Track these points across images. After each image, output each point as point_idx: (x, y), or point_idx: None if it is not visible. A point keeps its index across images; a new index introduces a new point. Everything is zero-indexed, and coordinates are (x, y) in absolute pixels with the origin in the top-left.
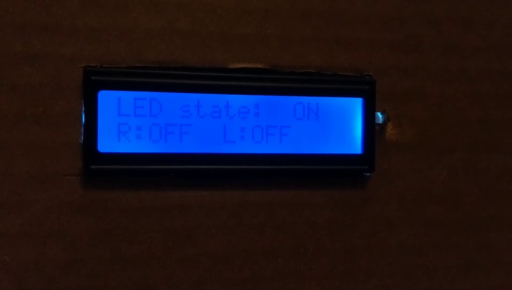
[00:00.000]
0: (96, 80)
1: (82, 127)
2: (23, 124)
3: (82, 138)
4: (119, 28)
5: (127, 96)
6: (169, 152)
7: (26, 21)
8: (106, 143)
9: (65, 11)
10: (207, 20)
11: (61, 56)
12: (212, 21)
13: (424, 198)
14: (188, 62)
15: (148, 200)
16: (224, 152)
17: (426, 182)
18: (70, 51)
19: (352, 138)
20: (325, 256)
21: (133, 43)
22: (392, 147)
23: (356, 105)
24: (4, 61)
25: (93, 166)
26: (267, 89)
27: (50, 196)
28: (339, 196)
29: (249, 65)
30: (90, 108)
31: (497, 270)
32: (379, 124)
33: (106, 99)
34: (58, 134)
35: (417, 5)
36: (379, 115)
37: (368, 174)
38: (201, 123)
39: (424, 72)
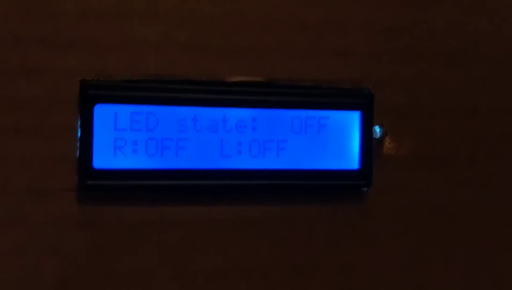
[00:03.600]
0: (92, 93)
1: (78, 142)
2: (18, 137)
3: (78, 153)
4: (116, 41)
5: (124, 110)
6: (165, 168)
7: (22, 34)
8: (102, 159)
9: (62, 24)
10: (204, 32)
11: (58, 69)
12: (210, 33)
13: (422, 213)
14: (185, 75)
15: (144, 216)
16: (220, 167)
17: (424, 196)
18: (67, 64)
19: (349, 153)
20: (322, 272)
21: (130, 55)
22: (389, 161)
23: (354, 119)
24: (0, 74)
25: (89, 182)
26: (264, 102)
27: (46, 211)
28: (336, 211)
29: (247, 78)
30: (86, 123)
31: (497, 285)
32: (376, 138)
33: (103, 113)
34: (54, 148)
35: (416, 16)
36: (376, 129)
37: (365, 188)
38: (198, 138)
39: (423, 85)
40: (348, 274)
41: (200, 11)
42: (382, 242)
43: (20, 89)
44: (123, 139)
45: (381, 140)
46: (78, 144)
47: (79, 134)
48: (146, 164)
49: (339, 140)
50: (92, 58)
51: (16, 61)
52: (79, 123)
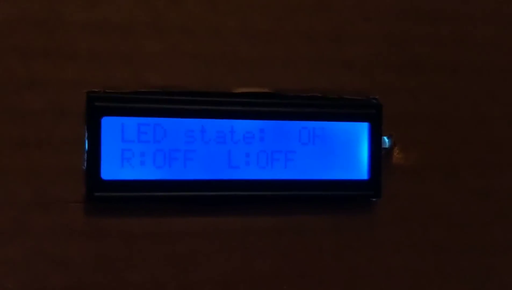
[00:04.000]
0: (99, 106)
1: (85, 153)
2: (25, 150)
3: (85, 164)
4: (122, 52)
5: (131, 121)
6: (173, 179)
7: (27, 46)
8: (110, 170)
9: (67, 35)
10: (211, 43)
11: (63, 81)
12: (216, 44)
13: (431, 222)
14: (191, 86)
15: (151, 227)
16: (228, 177)
17: (432, 206)
18: (73, 76)
19: (358, 163)
20: (330, 282)
21: (136, 67)
22: (398, 171)
23: (362, 129)
24: (5, 86)
25: (96, 193)
26: (272, 113)
27: (53, 222)
28: (344, 221)
29: (254, 90)
30: (93, 134)
31: None
32: (385, 148)
33: (110, 125)
34: (60, 160)
35: (423, 26)
36: (385, 139)
37: (374, 199)
38: (206, 149)
39: (430, 94)
40: (356, 284)
41: (206, 22)
42: (391, 252)
43: (26, 101)
44: (131, 151)
45: (389, 150)
46: (85, 156)
47: (86, 146)
48: (153, 175)
49: (348, 150)
50: (98, 70)
51: (22, 73)
52: (86, 135)
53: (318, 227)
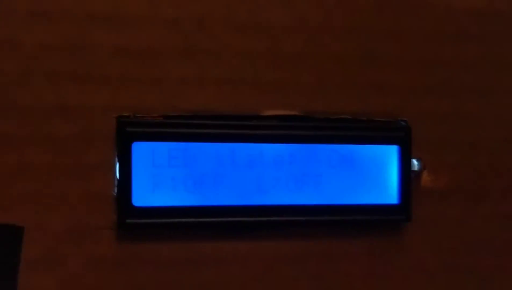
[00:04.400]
0: (130, 131)
1: (116, 179)
2: (55, 176)
3: (116, 190)
4: (151, 77)
5: (161, 147)
6: (203, 204)
7: (57, 71)
8: (141, 196)
9: (97, 60)
10: (239, 66)
11: (93, 106)
12: (244, 67)
13: (461, 247)
14: (221, 110)
15: (183, 252)
16: (258, 203)
17: (462, 230)
18: (103, 101)
19: (388, 187)
20: None
21: (165, 91)
22: (427, 194)
23: (391, 152)
24: (35, 112)
25: (128, 220)
26: (301, 137)
27: (85, 250)
28: (374, 246)
29: (283, 112)
30: (124, 160)
31: None
32: (414, 171)
33: (140, 150)
34: (91, 186)
35: (453, 48)
36: (414, 162)
37: (404, 223)
38: (235, 173)
39: (460, 118)
40: None
41: (234, 46)
42: (420, 276)
43: (55, 127)
44: (161, 176)
45: (419, 173)
46: (116, 182)
47: (117, 172)
48: (184, 201)
49: (377, 173)
50: (128, 95)
51: (51, 98)
52: (116, 161)
53: (348, 251)
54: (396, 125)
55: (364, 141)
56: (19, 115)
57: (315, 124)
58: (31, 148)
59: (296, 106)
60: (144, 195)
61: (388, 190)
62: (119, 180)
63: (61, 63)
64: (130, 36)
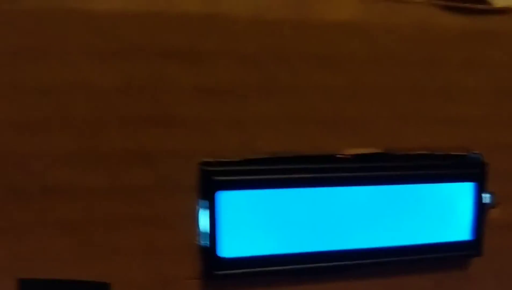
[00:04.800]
0: (215, 180)
1: (199, 228)
2: (139, 226)
3: (201, 241)
4: (230, 116)
5: (245, 195)
6: (287, 252)
7: (133, 115)
8: (226, 247)
9: (174, 101)
10: (319, 103)
11: (173, 151)
12: (325, 104)
13: None
14: (301, 149)
15: None
16: (338, 247)
17: None
18: (182, 145)
19: (461, 223)
20: None
21: (245, 133)
22: (498, 228)
23: (467, 189)
24: (116, 162)
25: (215, 272)
26: (380, 177)
27: None
28: (443, 279)
29: (364, 151)
30: (207, 209)
31: None
32: (485, 204)
33: (225, 199)
34: (175, 236)
35: None
36: (487, 196)
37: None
38: (317, 218)
39: None
40: None
41: (314, 82)
42: None
43: (136, 176)
44: (246, 224)
45: (491, 207)
46: (199, 231)
47: (200, 221)
48: (270, 249)
49: (451, 210)
50: (208, 137)
51: (127, 145)
52: (200, 210)
53: (419, 284)
54: (471, 161)
55: (441, 180)
56: (98, 164)
57: (394, 164)
58: (112, 199)
59: (373, 143)
60: (229, 245)
61: (461, 226)
62: (203, 230)
63: (137, 106)
64: (208, 74)
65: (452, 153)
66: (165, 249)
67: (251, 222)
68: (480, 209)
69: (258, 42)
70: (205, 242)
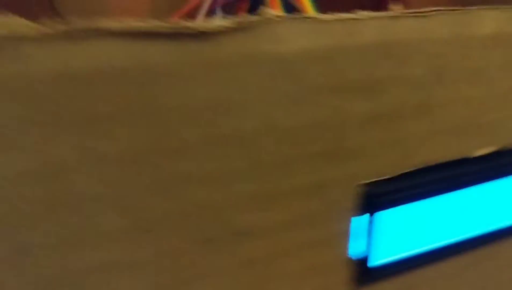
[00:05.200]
0: (372, 201)
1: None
2: (309, 249)
3: (355, 261)
4: (392, 138)
5: (400, 210)
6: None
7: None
8: (378, 258)
9: (355, 134)
10: (459, 113)
11: (340, 179)
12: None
13: None
14: (437, 158)
15: None
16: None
17: None
18: (347, 171)
19: None
20: None
21: (401, 150)
22: None
23: None
24: (293, 197)
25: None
26: (498, 173)
27: None
28: None
29: (486, 151)
30: (364, 229)
31: None
32: None
33: (382, 218)
34: (339, 254)
35: None
36: None
37: None
38: (452, 215)
39: None
40: None
41: (459, 95)
42: None
43: (307, 205)
44: (396, 235)
45: None
46: (351, 253)
47: (353, 243)
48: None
49: None
50: (368, 161)
51: (303, 180)
52: (355, 230)
53: None
54: None
55: None
56: (280, 201)
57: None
58: (290, 230)
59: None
60: (379, 256)
61: None
62: (356, 251)
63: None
64: (377, 102)
65: None
66: (329, 265)
67: (402, 235)
68: None
69: (425, 63)
70: (360, 256)
